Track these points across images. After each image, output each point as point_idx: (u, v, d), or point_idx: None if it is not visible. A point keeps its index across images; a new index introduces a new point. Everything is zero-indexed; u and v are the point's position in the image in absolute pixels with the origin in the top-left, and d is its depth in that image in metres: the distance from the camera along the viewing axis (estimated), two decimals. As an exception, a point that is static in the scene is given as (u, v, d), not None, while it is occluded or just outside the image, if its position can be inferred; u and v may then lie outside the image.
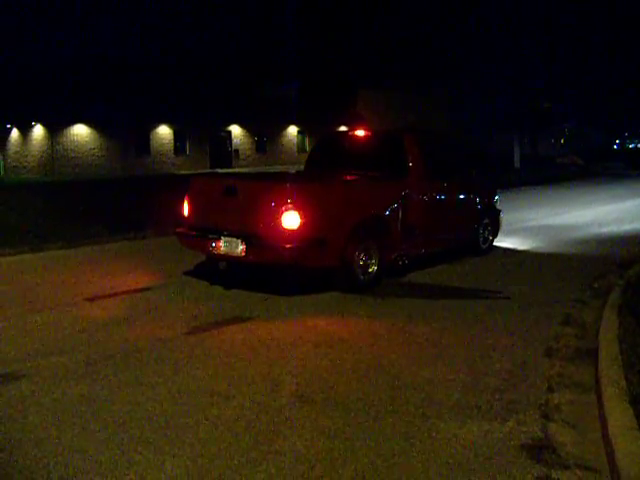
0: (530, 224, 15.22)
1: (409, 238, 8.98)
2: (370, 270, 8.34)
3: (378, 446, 4.00)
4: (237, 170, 40.72)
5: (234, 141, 46.10)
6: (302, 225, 7.51)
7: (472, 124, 53.80)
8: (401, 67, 53.14)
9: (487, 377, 5.19)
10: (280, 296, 7.90)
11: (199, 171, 36.37)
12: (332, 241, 7.82)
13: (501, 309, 7.40)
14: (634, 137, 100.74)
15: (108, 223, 13.48)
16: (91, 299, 7.79)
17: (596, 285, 8.54)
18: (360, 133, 10.22)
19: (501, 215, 11.57)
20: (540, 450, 3.94)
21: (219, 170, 38.83)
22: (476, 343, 6.10)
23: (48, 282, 8.91)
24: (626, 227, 14.71)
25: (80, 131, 38.44)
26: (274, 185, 8.54)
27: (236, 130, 46.16)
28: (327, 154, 10.72)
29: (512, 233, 13.19)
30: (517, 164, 45.31)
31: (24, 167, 39.61)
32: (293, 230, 7.51)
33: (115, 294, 8.06)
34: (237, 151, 46.09)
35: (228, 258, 8.11)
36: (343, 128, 35.60)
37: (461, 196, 10.59)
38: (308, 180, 9.40)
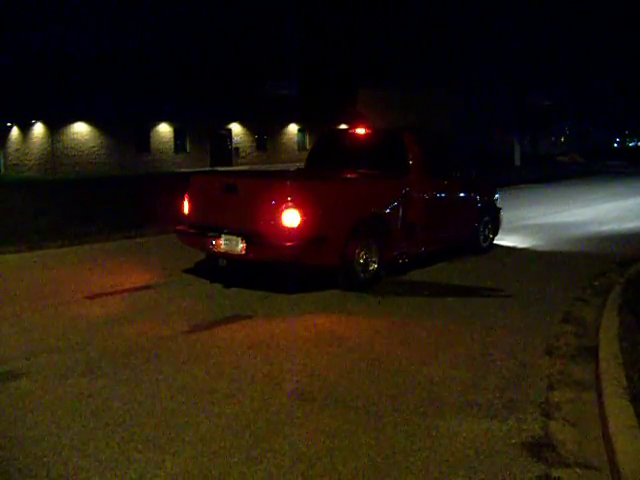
0: (530, 222, 15.21)
1: (409, 236, 8.97)
2: (370, 268, 8.33)
3: (378, 444, 3.99)
4: (237, 168, 40.72)
5: (234, 139, 46.06)
6: (302, 223, 7.50)
7: (472, 123, 53.75)
8: (401, 66, 53.13)
9: (487, 375, 5.19)
10: (280, 294, 7.90)
11: (199, 169, 36.34)
12: (332, 239, 7.81)
13: (501, 307, 7.39)
14: (634, 135, 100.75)
15: (108, 221, 13.48)
16: (91, 297, 7.79)
17: (597, 283, 8.54)
18: (360, 131, 10.20)
19: (501, 213, 11.56)
20: (540, 448, 3.94)
21: (219, 168, 38.79)
22: (476, 341, 6.09)
23: (48, 280, 8.91)
24: (627, 225, 14.70)
25: (80, 129, 38.41)
26: (274, 183, 8.53)
27: (236, 128, 46.13)
28: (327, 152, 10.71)
29: (512, 231, 13.18)
30: (517, 162, 45.31)
31: (24, 165, 39.58)
32: (293, 228, 7.50)
33: (115, 292, 8.06)
34: (237, 149, 46.06)
35: (228, 256, 8.10)
36: (343, 126, 35.57)
37: (461, 194, 10.58)
38: (308, 178, 9.39)
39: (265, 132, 47.79)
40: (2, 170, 40.73)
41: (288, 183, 8.09)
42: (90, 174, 36.25)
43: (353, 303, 7.59)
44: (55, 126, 37.58)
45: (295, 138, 50.29)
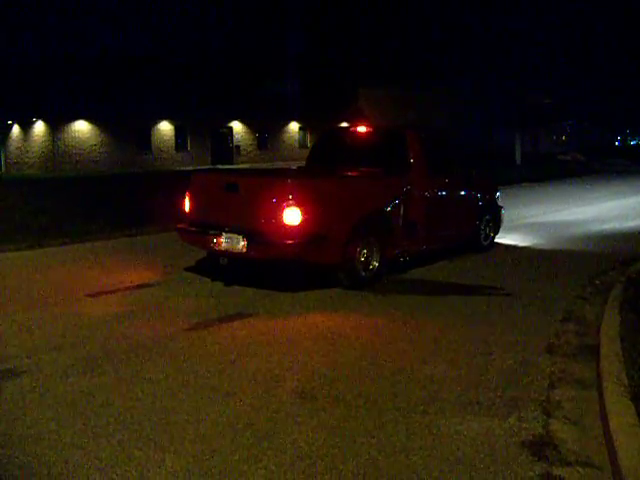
0: (531, 221, 15.20)
1: (410, 234, 8.97)
2: (371, 266, 8.33)
3: (379, 442, 3.99)
4: (238, 166, 40.70)
5: (235, 137, 46.09)
6: (303, 221, 7.50)
7: (472, 123, 53.70)
8: (402, 64, 53.09)
9: (488, 373, 5.18)
10: (281, 292, 7.90)
11: (200, 167, 36.33)
12: (333, 237, 7.81)
13: (502, 305, 7.39)
14: (636, 134, 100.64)
15: (109, 219, 13.48)
16: (92, 295, 7.79)
17: (598, 282, 8.53)
18: (361, 129, 10.20)
19: (502, 212, 11.55)
20: (541, 447, 3.93)
21: (220, 166, 38.79)
22: (477, 339, 6.09)
23: (49, 278, 8.91)
24: (628, 224, 14.69)
25: (81, 127, 38.44)
26: (275, 181, 8.53)
27: (237, 126, 46.14)
28: (328, 150, 10.70)
29: (513, 230, 13.17)
30: (518, 161, 45.27)
31: (25, 163, 39.60)
32: (294, 226, 7.50)
33: (116, 290, 8.06)
34: (238, 147, 46.08)
35: (229, 254, 8.09)
36: (344, 125, 35.56)
37: (462, 192, 10.58)
38: (309, 176, 9.39)
39: (266, 130, 47.82)
40: (3, 168, 40.75)
41: (289, 181, 8.08)
42: (91, 172, 36.27)
43: (354, 301, 7.59)
44: (56, 124, 37.62)
45: (296, 136, 50.31)
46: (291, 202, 7.49)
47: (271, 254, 7.82)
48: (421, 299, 7.74)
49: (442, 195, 9.93)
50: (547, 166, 40.50)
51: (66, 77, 37.15)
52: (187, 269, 9.25)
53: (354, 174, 9.30)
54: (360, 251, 8.13)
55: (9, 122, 40.21)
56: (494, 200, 11.37)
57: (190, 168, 33.98)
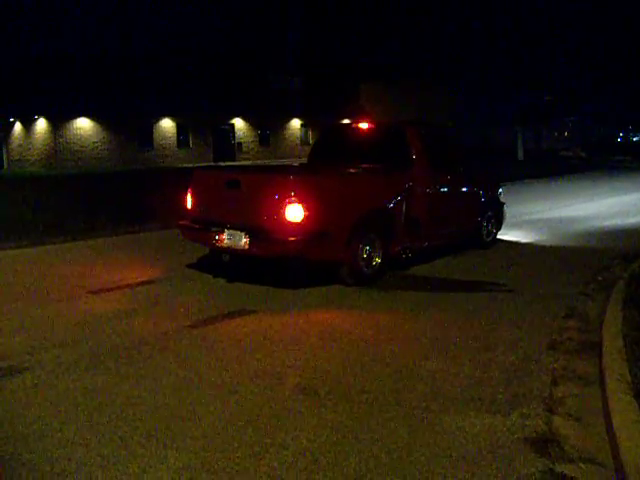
0: (534, 217, 15.18)
1: (413, 231, 8.96)
2: (374, 263, 8.32)
3: (381, 439, 3.99)
4: (240, 163, 40.68)
5: (237, 134, 46.08)
6: (306, 218, 7.49)
7: (474, 120, 53.71)
8: (403, 60, 53.08)
9: (491, 370, 5.18)
10: (283, 289, 7.90)
11: (202, 164, 36.33)
12: (336, 234, 7.80)
13: (505, 302, 7.38)
14: (638, 130, 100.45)
15: (111, 216, 13.48)
16: (95, 292, 7.80)
17: (600, 278, 8.52)
18: (363, 125, 10.18)
19: (505, 208, 11.54)
20: (544, 443, 3.93)
21: (222, 163, 38.78)
22: (480, 336, 6.08)
23: (52, 275, 8.91)
24: (630, 220, 14.66)
25: (83, 124, 38.46)
26: (277, 178, 8.52)
27: (239, 123, 46.13)
28: (330, 147, 10.69)
29: (515, 226, 13.16)
30: (520, 157, 45.24)
31: (27, 160, 39.63)
32: (297, 223, 7.49)
33: (119, 287, 8.06)
34: (240, 144, 46.07)
35: (231, 251, 8.09)
36: (346, 121, 35.52)
37: (464, 189, 10.56)
38: (312, 173, 9.38)
39: (268, 127, 47.81)
40: (5, 165, 40.77)
41: (291, 178, 8.07)
42: (93, 169, 36.27)
43: (356, 298, 7.59)
44: (58, 121, 37.64)
45: (298, 133, 50.29)
46: (293, 199, 7.48)
47: (273, 251, 7.81)
48: (423, 295, 7.73)
49: (444, 191, 9.92)
50: (549, 162, 40.43)
51: (68, 74, 37.11)
52: (189, 266, 9.26)
53: (356, 171, 9.28)
54: (362, 248, 8.13)
55: (11, 119, 40.23)
56: (496, 196, 11.36)
57: (192, 165, 34.00)
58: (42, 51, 38.61)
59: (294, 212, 7.47)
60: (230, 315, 6.75)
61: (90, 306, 7.21)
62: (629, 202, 19.12)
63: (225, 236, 7.96)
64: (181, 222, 8.87)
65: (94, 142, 38.93)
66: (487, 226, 10.95)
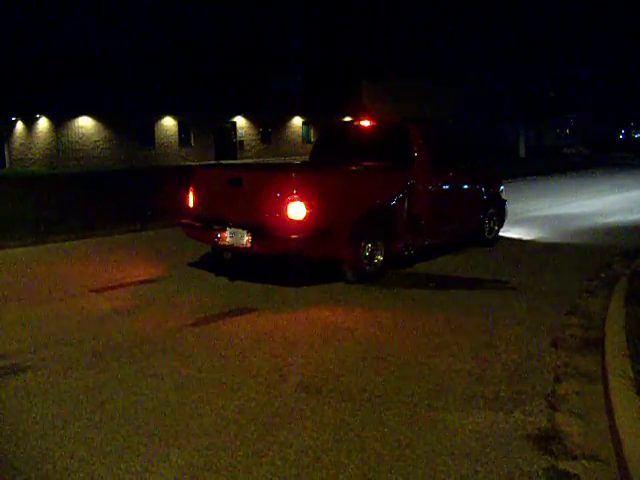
0: (536, 214, 15.17)
1: (415, 228, 8.95)
2: (376, 261, 8.32)
3: (384, 437, 3.98)
4: (242, 161, 40.68)
5: (239, 132, 46.06)
6: (308, 216, 7.48)
7: (476, 117, 53.58)
8: (406, 58, 53.00)
9: (493, 367, 5.17)
10: (285, 287, 7.90)
11: (204, 162, 36.34)
12: (338, 232, 7.80)
13: (507, 299, 7.37)
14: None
15: (113, 215, 13.49)
16: (96, 291, 7.80)
17: (602, 275, 8.51)
18: (365, 123, 10.17)
19: (506, 205, 11.52)
20: (547, 441, 3.92)
21: (223, 162, 38.78)
22: (482, 333, 6.07)
23: (53, 274, 8.92)
24: (632, 217, 14.65)
25: (85, 123, 38.45)
26: (279, 176, 8.50)
27: (241, 121, 46.11)
28: (332, 144, 10.69)
29: (518, 223, 13.15)
30: (522, 154, 45.22)
31: (29, 159, 39.65)
32: (299, 221, 7.48)
33: (120, 285, 8.07)
34: (242, 142, 46.05)
35: (233, 249, 8.09)
36: (348, 119, 35.50)
37: (466, 186, 10.55)
38: (313, 170, 9.37)
39: (270, 125, 47.78)
40: (7, 164, 40.79)
41: (293, 176, 8.06)
42: (94, 168, 36.29)
43: (358, 295, 7.58)
44: (59, 120, 37.64)
45: (300, 131, 50.26)
46: (295, 196, 7.47)
47: (275, 249, 7.81)
48: (426, 293, 7.73)
49: (446, 189, 9.90)
50: (551, 159, 40.41)
51: (69, 73, 37.11)
52: (191, 264, 9.26)
53: (358, 168, 9.27)
54: (364, 245, 8.12)
55: (13, 118, 40.23)
56: (498, 194, 11.34)
57: (194, 163, 34.01)
58: (43, 50, 38.55)
59: (296, 210, 7.47)
60: (232, 313, 6.75)
61: (92, 304, 7.21)
62: (631, 199, 19.11)
63: (227, 234, 7.96)
64: (183, 220, 8.87)
65: (96, 141, 38.93)
66: (489, 223, 10.93)
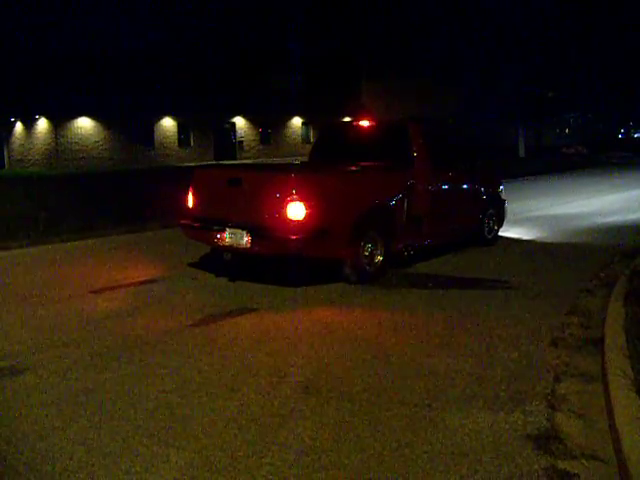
0: (535, 214, 15.17)
1: (414, 228, 8.96)
2: (376, 261, 8.32)
3: (384, 437, 3.98)
4: (241, 162, 40.68)
5: (238, 133, 46.06)
6: (307, 216, 7.48)
7: (476, 116, 53.56)
8: (405, 58, 52.96)
9: (493, 367, 5.17)
10: (285, 287, 7.90)
11: (203, 163, 36.33)
12: (337, 232, 7.80)
13: (507, 299, 7.37)
14: (639, 126, 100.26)
15: (112, 215, 13.48)
16: (96, 291, 7.80)
17: (602, 274, 8.50)
18: (364, 123, 10.17)
19: (506, 205, 11.52)
20: (547, 440, 3.92)
21: (223, 162, 38.77)
22: (481, 333, 6.07)
23: (52, 275, 8.92)
24: (631, 216, 14.64)
25: (84, 124, 38.45)
26: (279, 176, 8.51)
27: (240, 122, 46.11)
28: (331, 145, 10.69)
29: (517, 223, 13.15)
30: (522, 154, 45.22)
31: (28, 160, 39.63)
32: (298, 221, 7.48)
33: (120, 286, 8.06)
34: (241, 143, 46.05)
35: (233, 249, 8.09)
36: (347, 119, 35.49)
37: (466, 186, 10.55)
38: (313, 171, 9.37)
39: (269, 125, 47.77)
40: (6, 165, 40.79)
41: (293, 176, 8.06)
42: (94, 169, 36.27)
43: (358, 296, 7.58)
44: (59, 121, 37.64)
45: (299, 131, 50.26)
46: (295, 197, 7.47)
47: (275, 249, 7.81)
48: (425, 293, 7.73)
49: (446, 188, 9.91)
50: (551, 159, 40.41)
51: (68, 74, 37.09)
52: (191, 265, 9.26)
53: (357, 168, 9.27)
54: (364, 245, 8.12)
55: (12, 119, 40.22)
56: (498, 193, 11.34)
57: (193, 164, 34.01)
58: (42, 51, 38.50)
59: (296, 210, 7.47)
60: (232, 314, 6.75)
61: (92, 305, 7.21)
62: (630, 198, 19.10)
63: (227, 234, 7.96)
64: (182, 221, 8.87)
65: (95, 141, 38.93)
66: (489, 223, 10.94)
